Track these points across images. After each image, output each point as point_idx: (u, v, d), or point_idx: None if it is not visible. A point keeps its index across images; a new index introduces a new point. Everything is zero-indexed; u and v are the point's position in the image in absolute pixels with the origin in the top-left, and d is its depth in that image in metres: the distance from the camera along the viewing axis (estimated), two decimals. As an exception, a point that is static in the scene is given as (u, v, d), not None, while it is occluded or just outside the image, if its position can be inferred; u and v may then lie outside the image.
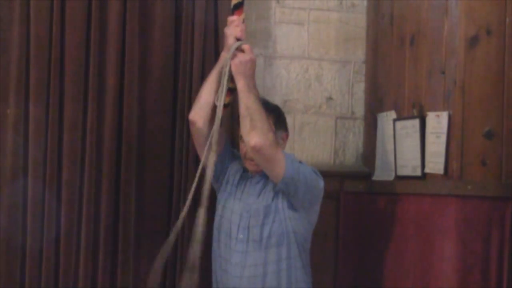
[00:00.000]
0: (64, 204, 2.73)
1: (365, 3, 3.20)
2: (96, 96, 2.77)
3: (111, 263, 2.77)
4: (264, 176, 2.45)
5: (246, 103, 2.30)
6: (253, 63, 2.34)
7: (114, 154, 2.78)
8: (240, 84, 2.31)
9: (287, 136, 2.57)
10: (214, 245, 2.50)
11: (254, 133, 2.27)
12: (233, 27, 2.37)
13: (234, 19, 2.38)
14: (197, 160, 2.84)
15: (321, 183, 2.43)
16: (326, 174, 2.94)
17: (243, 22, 2.39)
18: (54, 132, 2.73)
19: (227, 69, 2.34)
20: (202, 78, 2.84)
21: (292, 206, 2.38)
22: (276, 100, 2.94)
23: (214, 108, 2.40)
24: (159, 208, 2.84)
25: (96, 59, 2.77)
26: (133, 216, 2.79)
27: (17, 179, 2.71)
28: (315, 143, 3.15)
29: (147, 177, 2.84)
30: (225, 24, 2.85)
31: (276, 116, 2.51)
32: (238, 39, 2.35)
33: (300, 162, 2.43)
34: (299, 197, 2.36)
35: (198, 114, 2.44)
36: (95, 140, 2.76)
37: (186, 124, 2.84)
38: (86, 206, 2.73)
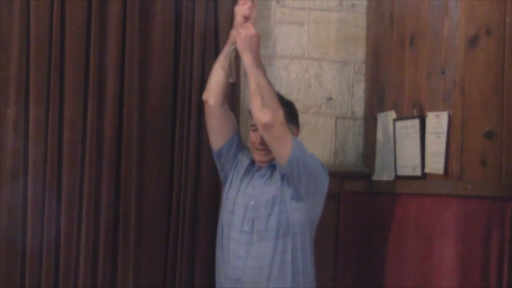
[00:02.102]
0: (64, 204, 2.73)
1: (365, 3, 3.20)
2: (96, 96, 2.77)
3: (111, 263, 2.78)
4: (270, 169, 2.47)
5: (256, 79, 2.34)
6: (257, 38, 2.40)
7: (114, 154, 2.78)
8: (247, 60, 2.36)
9: (297, 132, 2.57)
10: (218, 237, 2.52)
11: (266, 110, 2.30)
12: (241, 5, 2.44)
13: None
14: (197, 160, 2.84)
15: (326, 177, 2.46)
16: (326, 174, 2.95)
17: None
18: (54, 132, 2.73)
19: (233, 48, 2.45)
20: (202, 78, 2.84)
21: (297, 196, 2.40)
22: (276, 100, 2.95)
23: (225, 86, 2.51)
24: (159, 208, 2.84)
25: (96, 59, 2.77)
26: (133, 216, 2.79)
27: (17, 179, 2.71)
28: (315, 143, 3.14)
29: (147, 177, 2.84)
30: (225, 23, 2.87)
31: (287, 110, 2.52)
32: (246, 18, 2.43)
33: (311, 154, 2.46)
34: (303, 183, 2.38)
35: (210, 93, 2.53)
36: (95, 140, 2.76)
37: (186, 124, 2.84)
38: (86, 206, 2.73)
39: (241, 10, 2.44)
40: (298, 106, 3.10)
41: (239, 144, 2.61)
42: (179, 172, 2.84)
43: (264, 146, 2.45)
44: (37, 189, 2.70)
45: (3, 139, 2.71)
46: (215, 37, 2.88)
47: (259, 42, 2.41)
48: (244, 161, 2.58)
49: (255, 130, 2.48)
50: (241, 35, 2.37)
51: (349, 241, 3.07)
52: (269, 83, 2.37)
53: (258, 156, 2.49)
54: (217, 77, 2.51)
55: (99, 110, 2.78)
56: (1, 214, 2.69)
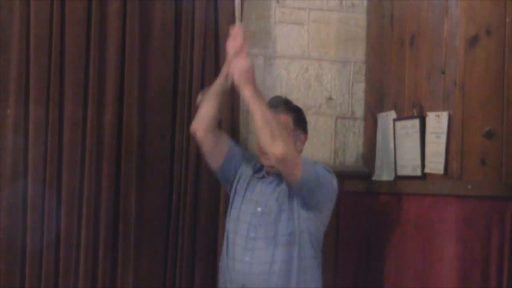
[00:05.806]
0: (64, 204, 2.73)
1: (365, 3, 3.20)
2: (96, 96, 2.77)
3: (111, 263, 2.78)
4: (278, 177, 2.46)
5: (261, 110, 2.27)
6: (253, 69, 2.35)
7: (114, 154, 2.79)
8: (248, 92, 2.30)
9: (305, 138, 2.56)
10: (224, 245, 2.50)
11: (278, 143, 2.24)
12: (233, 40, 2.37)
13: (235, 31, 2.38)
14: (197, 160, 2.84)
15: (334, 182, 2.44)
16: (326, 174, 2.94)
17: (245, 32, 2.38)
18: (54, 132, 2.73)
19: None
20: (202, 78, 2.85)
21: (306, 206, 2.38)
22: (276, 100, 2.95)
23: (216, 120, 2.50)
24: (159, 208, 2.84)
25: (96, 59, 2.77)
26: (133, 216, 2.79)
27: (17, 179, 2.71)
28: (315, 143, 3.14)
29: (147, 177, 2.84)
30: (225, 23, 2.86)
31: (295, 116, 2.51)
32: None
33: (314, 162, 2.45)
34: (313, 198, 2.37)
35: (199, 124, 2.50)
36: (95, 140, 2.76)
37: (186, 124, 2.84)
38: (86, 206, 2.73)
39: (234, 44, 2.36)
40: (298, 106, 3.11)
41: (238, 156, 2.58)
42: (179, 172, 2.84)
43: None
44: (37, 189, 2.70)
45: (3, 139, 2.71)
46: (215, 37, 2.89)
47: (255, 73, 2.36)
48: (247, 170, 2.56)
49: None
50: (237, 69, 2.31)
51: (349, 241, 3.07)
52: (273, 113, 2.31)
53: (266, 161, 2.46)
54: (209, 112, 2.48)
55: (99, 110, 2.78)
56: (1, 214, 2.69)
